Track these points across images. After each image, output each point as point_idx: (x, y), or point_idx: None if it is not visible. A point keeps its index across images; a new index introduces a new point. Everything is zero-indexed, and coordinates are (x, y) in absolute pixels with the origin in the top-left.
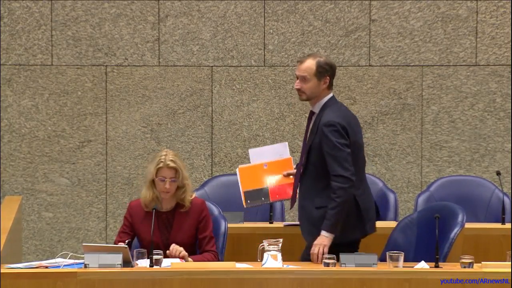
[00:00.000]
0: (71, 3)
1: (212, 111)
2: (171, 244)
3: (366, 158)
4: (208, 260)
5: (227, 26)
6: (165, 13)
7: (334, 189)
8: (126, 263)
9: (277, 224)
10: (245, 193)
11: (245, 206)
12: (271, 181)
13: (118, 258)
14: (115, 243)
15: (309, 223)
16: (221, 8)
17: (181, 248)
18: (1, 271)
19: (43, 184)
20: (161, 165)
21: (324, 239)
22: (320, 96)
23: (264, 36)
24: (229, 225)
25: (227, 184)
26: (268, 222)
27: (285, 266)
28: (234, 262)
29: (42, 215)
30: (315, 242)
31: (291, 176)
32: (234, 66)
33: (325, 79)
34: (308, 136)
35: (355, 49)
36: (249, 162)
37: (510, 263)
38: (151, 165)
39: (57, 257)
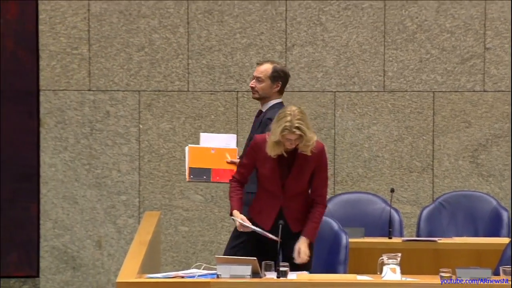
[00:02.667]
0: (206, 34)
1: (334, 133)
2: (289, 184)
3: (481, 178)
4: (319, 222)
5: (349, 54)
6: (292, 42)
7: None
8: (255, 274)
9: (396, 240)
10: (191, 169)
11: (188, 180)
12: (215, 164)
13: (247, 270)
14: (234, 179)
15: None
16: (343, 37)
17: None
18: (142, 281)
19: (179, 201)
20: (285, 132)
21: None
22: (270, 97)
23: (384, 63)
24: (351, 240)
25: (349, 202)
26: (387, 238)
27: (403, 278)
28: (355, 274)
29: (179, 229)
30: None
31: (234, 165)
32: (356, 91)
33: (277, 83)
34: (252, 131)
35: (470, 76)
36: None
37: None
38: (277, 127)
39: (192, 268)
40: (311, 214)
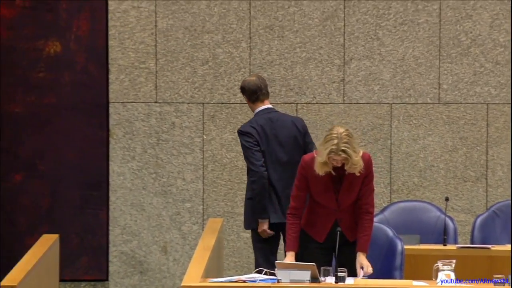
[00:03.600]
0: (267, 48)
1: (391, 144)
2: (342, 196)
3: None
4: (370, 233)
5: (405, 68)
6: (350, 56)
7: (249, 184)
8: (314, 279)
9: (451, 247)
10: None
11: None
12: None
13: (306, 275)
14: (290, 211)
15: (244, 209)
16: (400, 51)
17: (367, 267)
18: (206, 285)
19: (241, 208)
20: (332, 154)
21: (259, 224)
22: (252, 109)
23: (439, 76)
24: (406, 247)
25: (405, 210)
26: (442, 245)
27: (458, 284)
28: (411, 280)
29: (241, 236)
30: None
31: None
32: (411, 103)
33: (245, 98)
34: None
35: None
36: None
37: None
38: (324, 149)
39: (254, 273)
40: (361, 226)
